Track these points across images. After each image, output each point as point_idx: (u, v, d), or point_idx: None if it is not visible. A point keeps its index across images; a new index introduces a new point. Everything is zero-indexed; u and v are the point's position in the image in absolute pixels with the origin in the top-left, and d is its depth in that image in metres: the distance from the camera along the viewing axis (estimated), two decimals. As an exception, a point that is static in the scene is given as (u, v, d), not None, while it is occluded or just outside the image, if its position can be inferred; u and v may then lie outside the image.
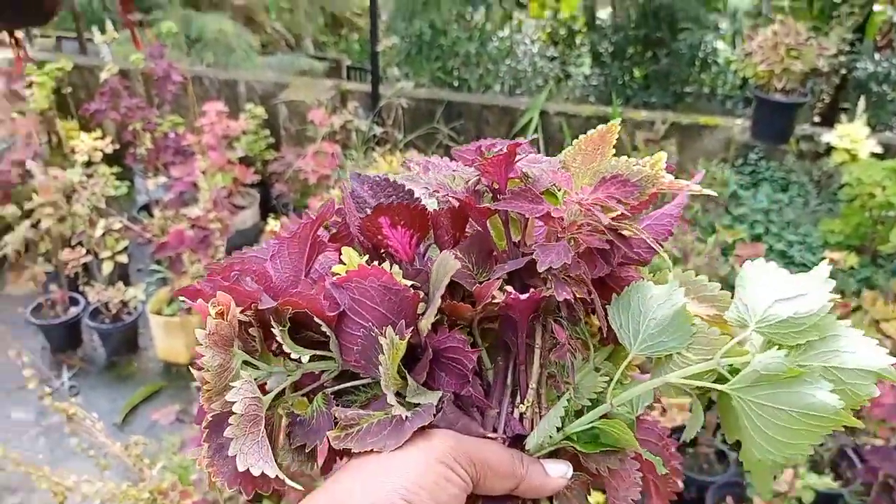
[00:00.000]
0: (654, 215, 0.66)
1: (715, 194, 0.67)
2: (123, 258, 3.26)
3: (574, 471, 0.61)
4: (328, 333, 0.57)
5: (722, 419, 0.60)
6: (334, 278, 0.57)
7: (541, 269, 0.55)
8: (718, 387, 0.55)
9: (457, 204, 0.63)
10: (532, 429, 0.60)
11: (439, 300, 0.56)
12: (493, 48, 5.20)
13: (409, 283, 0.57)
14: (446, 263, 0.56)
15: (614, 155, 0.61)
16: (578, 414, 0.61)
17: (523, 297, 0.56)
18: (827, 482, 2.41)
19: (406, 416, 0.54)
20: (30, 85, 3.69)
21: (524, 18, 6.15)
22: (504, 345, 0.62)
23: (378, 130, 3.92)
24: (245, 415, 0.53)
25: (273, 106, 4.10)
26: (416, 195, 0.62)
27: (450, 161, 0.67)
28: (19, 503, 2.65)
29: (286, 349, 0.56)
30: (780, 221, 3.45)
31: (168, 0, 5.59)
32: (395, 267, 0.57)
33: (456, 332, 0.58)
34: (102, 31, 3.63)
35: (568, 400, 0.60)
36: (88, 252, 3.22)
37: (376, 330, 0.55)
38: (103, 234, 3.24)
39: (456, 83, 5.06)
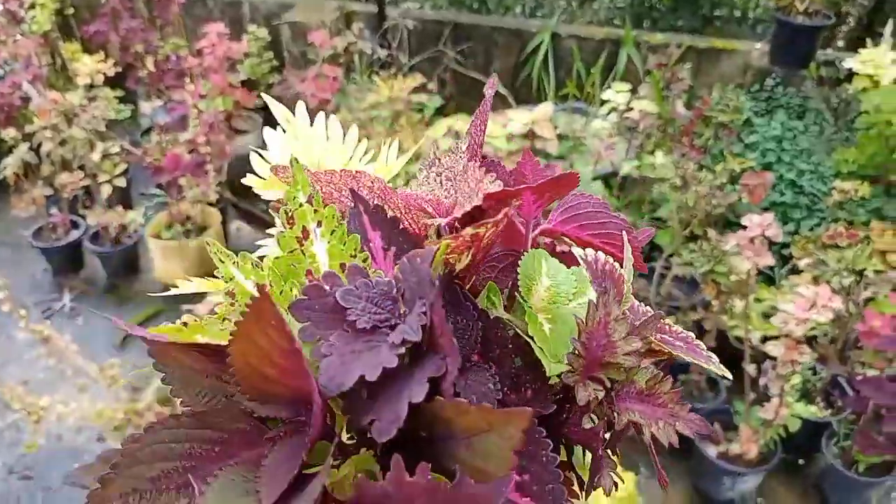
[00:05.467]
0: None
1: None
2: (122, 182, 3.25)
3: None
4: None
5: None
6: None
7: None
8: None
9: None
10: None
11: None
12: (512, -31, 5.01)
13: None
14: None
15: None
16: None
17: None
18: (814, 411, 2.36)
19: None
20: (32, 6, 3.66)
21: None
22: None
23: (383, 53, 3.82)
24: None
25: (277, 28, 4.01)
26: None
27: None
28: (19, 419, 2.72)
29: None
30: (793, 150, 3.31)
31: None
32: None
33: None
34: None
35: None
36: (87, 176, 3.22)
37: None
38: (102, 158, 3.24)
39: (476, 5, 4.90)
